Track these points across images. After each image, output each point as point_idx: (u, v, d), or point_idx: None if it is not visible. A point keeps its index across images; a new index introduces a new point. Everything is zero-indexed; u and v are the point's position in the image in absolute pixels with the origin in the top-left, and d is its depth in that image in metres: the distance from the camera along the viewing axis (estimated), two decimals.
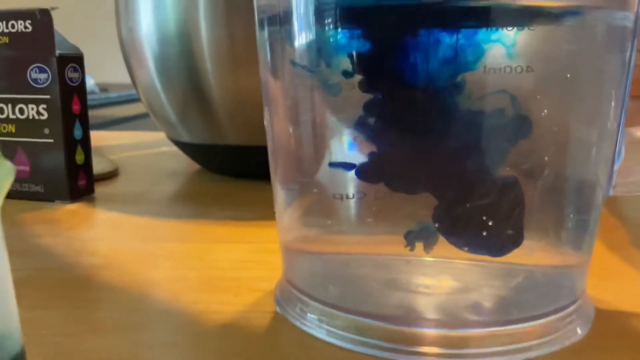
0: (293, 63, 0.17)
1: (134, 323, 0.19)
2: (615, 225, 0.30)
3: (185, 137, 0.42)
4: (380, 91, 0.16)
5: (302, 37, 0.17)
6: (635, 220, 0.32)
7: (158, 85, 0.41)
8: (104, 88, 2.46)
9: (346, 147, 0.17)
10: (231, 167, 0.42)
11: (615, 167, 0.18)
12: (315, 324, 0.18)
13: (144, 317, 0.19)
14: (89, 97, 0.36)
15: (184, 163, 0.47)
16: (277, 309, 0.20)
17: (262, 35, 0.19)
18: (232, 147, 0.40)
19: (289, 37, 0.17)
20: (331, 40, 0.16)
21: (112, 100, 2.09)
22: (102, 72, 1.87)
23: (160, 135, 0.46)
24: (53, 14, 0.33)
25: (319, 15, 0.16)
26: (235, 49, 0.37)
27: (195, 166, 0.46)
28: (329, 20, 0.16)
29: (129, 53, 0.42)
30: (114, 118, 2.09)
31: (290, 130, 0.18)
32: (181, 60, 0.39)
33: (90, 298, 0.21)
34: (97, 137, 0.65)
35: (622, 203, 0.34)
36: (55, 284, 0.22)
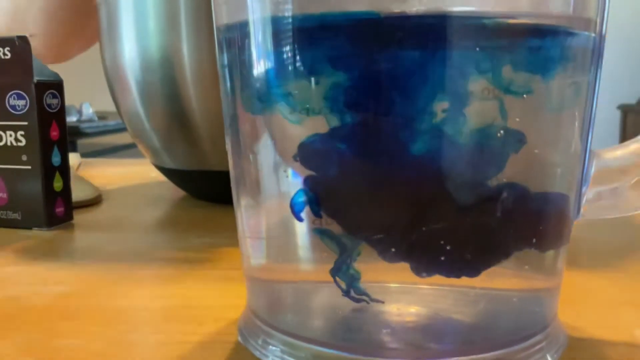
0: (250, 93, 0.17)
1: (90, 354, 0.18)
2: (602, 249, 0.30)
3: (169, 164, 0.42)
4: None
5: (259, 63, 0.17)
6: (622, 245, 0.31)
7: (141, 112, 0.41)
8: (102, 116, 2.48)
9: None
10: (214, 193, 0.42)
11: (584, 190, 0.18)
12: (277, 356, 0.17)
13: (101, 348, 0.19)
14: (87, 125, 0.36)
15: (170, 190, 0.47)
16: (239, 339, 0.19)
17: (221, 58, 0.18)
18: (215, 173, 0.40)
19: (247, 61, 0.17)
20: (290, 66, 0.16)
21: (109, 128, 2.10)
22: (101, 100, 1.88)
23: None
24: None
25: (277, 36, 0.16)
26: (217, 75, 0.37)
27: (181, 193, 0.46)
28: (288, 42, 0.16)
29: (112, 80, 0.42)
30: (111, 146, 2.10)
31: (250, 157, 0.18)
32: (164, 86, 0.39)
33: (46, 328, 0.20)
34: (89, 164, 0.64)
35: (610, 228, 0.33)
36: (11, 314, 0.22)
